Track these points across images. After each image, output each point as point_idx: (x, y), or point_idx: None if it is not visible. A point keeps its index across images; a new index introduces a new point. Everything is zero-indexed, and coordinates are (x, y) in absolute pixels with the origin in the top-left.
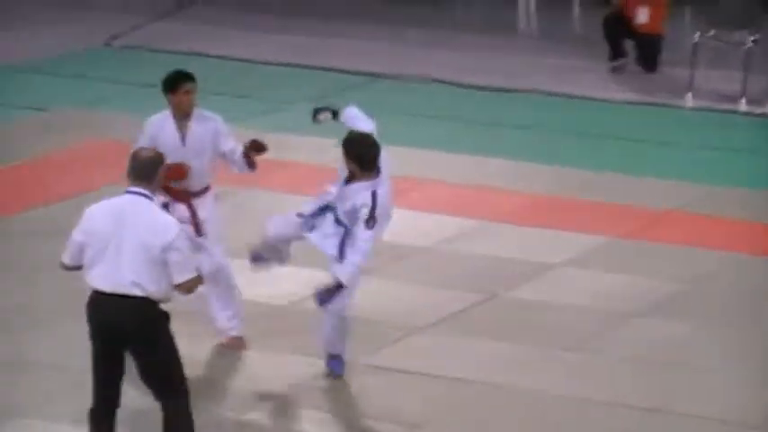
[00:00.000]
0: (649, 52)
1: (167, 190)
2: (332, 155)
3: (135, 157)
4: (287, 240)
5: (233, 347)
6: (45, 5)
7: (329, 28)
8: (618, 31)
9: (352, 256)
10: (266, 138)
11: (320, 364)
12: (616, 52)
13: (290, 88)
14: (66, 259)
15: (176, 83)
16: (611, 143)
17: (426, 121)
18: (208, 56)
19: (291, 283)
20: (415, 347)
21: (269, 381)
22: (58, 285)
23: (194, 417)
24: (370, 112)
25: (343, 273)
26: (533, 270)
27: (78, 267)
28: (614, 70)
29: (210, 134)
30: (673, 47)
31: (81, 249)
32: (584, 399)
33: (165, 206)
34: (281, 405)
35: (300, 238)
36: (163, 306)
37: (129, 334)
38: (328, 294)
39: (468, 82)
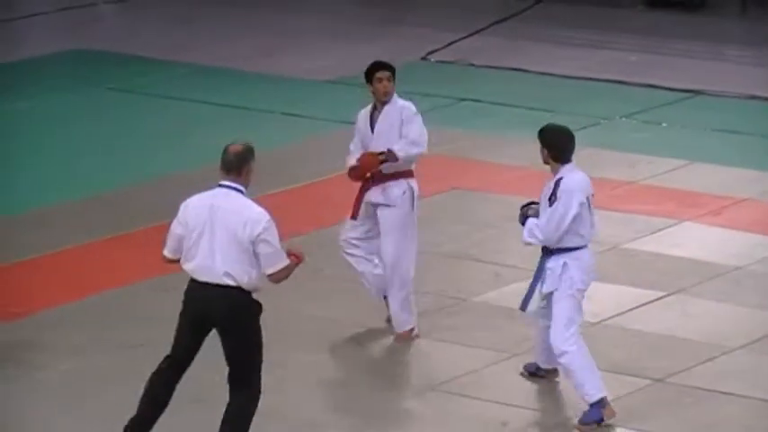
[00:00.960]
0: None
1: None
2: (644, 171)
3: (226, 151)
4: None
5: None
6: (361, 21)
7: (649, 44)
8: None
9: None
10: (582, 153)
11: (631, 381)
12: None
13: (609, 104)
14: (168, 253)
15: (371, 71)
16: None
17: (744, 138)
18: (526, 71)
19: (602, 299)
20: (729, 368)
21: (579, 396)
22: (363, 295)
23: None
24: (687, 128)
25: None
26: None
27: (179, 260)
28: None
29: (398, 119)
30: None
31: (179, 241)
32: None
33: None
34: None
35: None
36: (255, 296)
37: (220, 320)
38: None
39: None
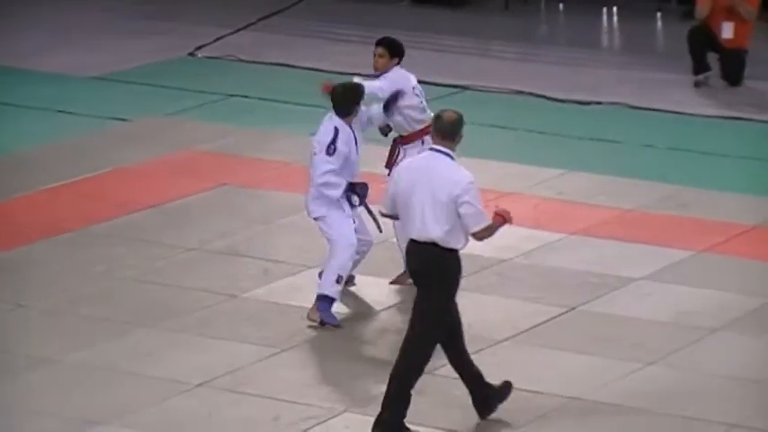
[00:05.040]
0: (734, 66)
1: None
2: None
3: (441, 118)
4: None
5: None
6: (130, 17)
7: (415, 40)
8: (702, 44)
9: None
10: None
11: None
12: (700, 66)
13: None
14: (384, 209)
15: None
16: (695, 157)
17: (510, 133)
18: (293, 66)
19: (370, 294)
20: (494, 360)
21: (348, 390)
22: (136, 293)
23: None
24: None
25: None
26: (614, 284)
27: (394, 216)
28: (698, 84)
29: None
30: (757, 61)
31: (393, 200)
32: (664, 413)
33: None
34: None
35: None
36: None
37: (424, 274)
38: None
39: (551, 95)
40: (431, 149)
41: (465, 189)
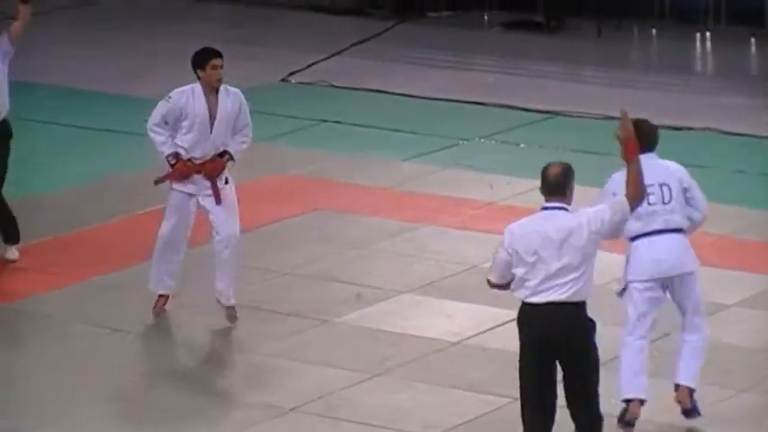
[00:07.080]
0: None
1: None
2: (503, 192)
3: (546, 174)
4: None
5: (228, 318)
6: (220, 42)
7: (507, 66)
8: None
9: None
10: (442, 174)
11: (491, 400)
12: None
13: (468, 125)
14: (495, 279)
15: (204, 58)
16: None
17: (601, 158)
18: (386, 93)
19: (462, 319)
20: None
21: (441, 415)
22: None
23: None
24: (545, 148)
25: None
26: (707, 310)
27: (505, 286)
28: None
29: (237, 107)
30: None
31: (506, 267)
32: None
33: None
34: None
35: None
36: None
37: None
38: None
39: None
40: (544, 209)
41: (593, 229)
